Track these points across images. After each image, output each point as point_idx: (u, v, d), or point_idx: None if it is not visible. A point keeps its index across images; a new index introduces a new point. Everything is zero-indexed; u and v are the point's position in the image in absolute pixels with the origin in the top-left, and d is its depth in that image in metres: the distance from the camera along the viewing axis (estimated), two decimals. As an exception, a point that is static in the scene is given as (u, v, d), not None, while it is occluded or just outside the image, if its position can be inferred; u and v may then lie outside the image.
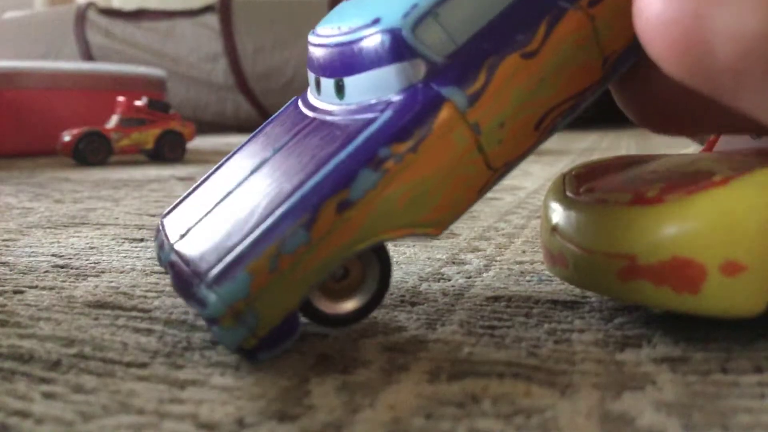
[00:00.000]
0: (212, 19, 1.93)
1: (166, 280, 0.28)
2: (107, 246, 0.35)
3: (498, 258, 0.32)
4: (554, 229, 0.22)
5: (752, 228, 0.18)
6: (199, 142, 1.41)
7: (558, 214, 0.23)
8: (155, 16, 2.00)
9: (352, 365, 0.19)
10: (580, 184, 0.24)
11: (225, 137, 1.68)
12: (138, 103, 0.92)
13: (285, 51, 1.88)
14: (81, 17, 1.97)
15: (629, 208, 0.20)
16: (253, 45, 1.89)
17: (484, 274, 0.29)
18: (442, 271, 0.29)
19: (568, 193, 0.24)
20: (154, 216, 0.45)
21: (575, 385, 0.17)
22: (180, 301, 0.25)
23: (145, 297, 0.26)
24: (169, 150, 0.92)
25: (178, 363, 0.19)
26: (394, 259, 0.31)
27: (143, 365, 0.19)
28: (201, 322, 0.22)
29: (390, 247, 0.32)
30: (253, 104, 1.95)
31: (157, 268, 0.30)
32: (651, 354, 0.19)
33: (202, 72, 1.93)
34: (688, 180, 0.20)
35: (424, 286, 0.27)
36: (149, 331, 0.22)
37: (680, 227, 0.18)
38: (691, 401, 0.16)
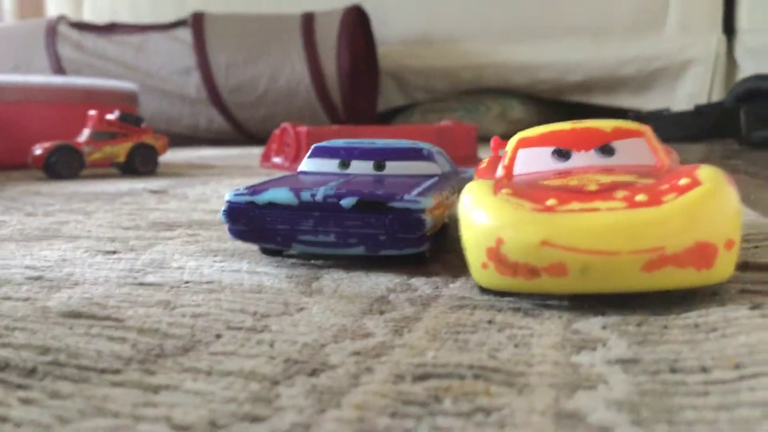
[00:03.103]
0: (185, 34, 1.93)
1: (140, 291, 0.28)
2: (80, 258, 0.35)
3: (465, 269, 0.32)
4: (545, 242, 0.23)
5: (734, 210, 0.24)
6: (172, 156, 1.41)
7: (544, 227, 0.24)
8: (127, 30, 2.00)
9: (320, 369, 0.20)
10: (537, 201, 0.25)
11: (198, 150, 1.68)
12: (110, 116, 0.91)
13: (258, 65, 1.89)
14: (52, 30, 1.96)
15: (640, 211, 0.23)
16: (225, 59, 1.90)
17: (451, 285, 0.29)
18: (410, 282, 0.30)
19: (531, 208, 0.25)
20: (126, 229, 0.45)
21: (532, 385, 0.18)
22: (153, 310, 0.25)
23: (119, 307, 0.26)
24: (141, 163, 0.92)
25: (152, 369, 0.20)
26: (365, 269, 0.32)
27: (117, 371, 0.20)
28: (174, 330, 0.23)
29: (361, 258, 0.33)
30: (226, 117, 1.95)
31: (131, 280, 0.31)
32: (605, 356, 0.20)
33: (175, 85, 1.93)
34: (643, 187, 0.25)
35: (393, 295, 0.28)
36: (123, 339, 0.22)
37: (700, 218, 0.23)
38: (640, 399, 0.17)
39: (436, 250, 0.35)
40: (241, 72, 1.89)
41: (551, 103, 2.04)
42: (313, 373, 0.19)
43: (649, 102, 1.90)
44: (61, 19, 2.01)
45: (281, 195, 0.32)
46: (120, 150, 0.90)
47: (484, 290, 0.27)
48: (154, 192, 0.69)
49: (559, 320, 0.24)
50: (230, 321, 0.24)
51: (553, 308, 0.25)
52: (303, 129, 0.95)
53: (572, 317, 0.24)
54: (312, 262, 0.34)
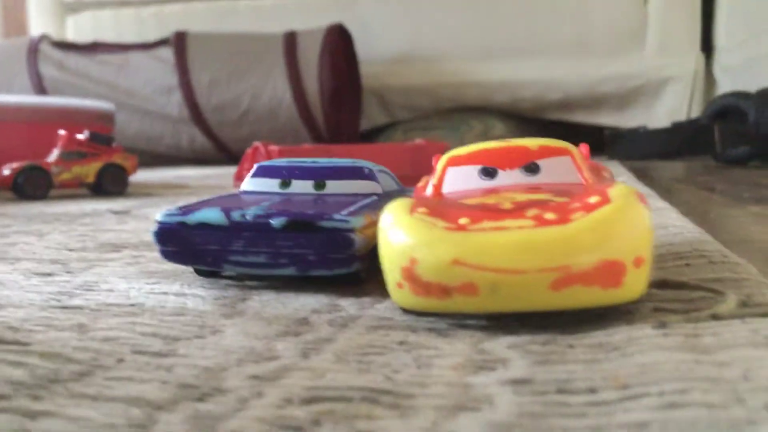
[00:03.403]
0: (167, 53, 1.93)
1: (59, 314, 0.28)
2: (14, 281, 0.35)
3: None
4: (456, 261, 0.23)
5: (644, 228, 0.24)
6: (151, 175, 1.41)
7: (456, 246, 0.24)
8: (109, 49, 2.00)
9: (210, 394, 0.19)
10: (451, 219, 0.25)
11: (179, 170, 1.67)
12: (79, 136, 0.91)
13: (240, 84, 1.89)
14: (34, 50, 1.96)
15: (547, 229, 0.23)
16: (208, 78, 1.90)
17: (378, 305, 0.29)
18: (338, 302, 0.30)
19: (443, 227, 0.25)
20: (72, 250, 0.45)
21: (417, 407, 0.18)
22: (64, 334, 0.25)
23: (32, 330, 0.26)
24: (110, 183, 0.91)
25: (40, 395, 0.19)
26: (297, 290, 0.32)
27: (5, 397, 0.19)
28: (77, 355, 0.23)
29: (297, 278, 0.33)
30: (209, 136, 1.95)
31: (55, 302, 0.30)
32: (501, 376, 0.20)
33: (157, 105, 1.93)
34: (555, 205, 0.25)
35: (315, 317, 0.28)
36: (22, 364, 0.22)
37: (607, 236, 0.23)
38: (517, 421, 0.17)
39: (374, 270, 0.35)
40: (223, 91, 1.90)
41: (533, 120, 2.06)
42: (202, 398, 0.19)
43: (630, 119, 1.92)
44: (44, 38, 2.01)
45: (211, 215, 0.32)
46: (89, 170, 0.90)
47: (406, 311, 0.27)
48: (116, 213, 0.69)
49: (469, 340, 0.24)
50: (138, 345, 0.24)
51: (469, 328, 0.25)
52: (275, 148, 0.95)
53: (483, 337, 0.24)
54: (246, 283, 0.34)
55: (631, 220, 0.24)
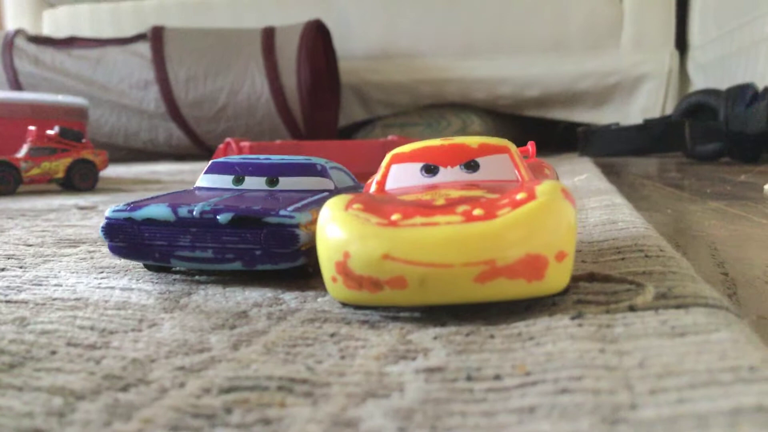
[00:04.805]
0: (144, 48, 1.92)
1: (2, 308, 0.29)
2: (-35, 276, 0.36)
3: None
4: (386, 255, 0.24)
5: (567, 224, 0.25)
6: (125, 170, 1.41)
7: (386, 241, 0.24)
8: (86, 43, 1.99)
9: (133, 384, 0.20)
10: (384, 215, 0.26)
11: (154, 165, 1.67)
12: (49, 132, 0.91)
13: (218, 79, 1.89)
14: (8, 45, 1.94)
15: (474, 224, 0.24)
16: (185, 73, 1.90)
17: (320, 299, 0.30)
18: (282, 296, 0.31)
19: (375, 223, 0.25)
20: (29, 246, 0.45)
21: (329, 395, 0.19)
22: (4, 327, 0.26)
23: (-28, 324, 0.26)
24: (80, 179, 0.91)
25: (-33, 386, 0.20)
26: (243, 284, 0.33)
27: (-66, 389, 0.20)
28: (11, 347, 0.23)
29: (247, 273, 0.34)
30: (186, 131, 1.94)
31: (1, 297, 0.31)
32: (418, 365, 0.21)
33: (134, 100, 1.92)
34: (485, 202, 0.26)
35: (254, 310, 0.28)
36: (-44, 357, 0.22)
37: (531, 231, 0.24)
38: (420, 406, 0.18)
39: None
40: (200, 86, 1.89)
41: (511, 117, 2.07)
42: (125, 388, 0.20)
43: (606, 116, 1.94)
44: (19, 32, 1.99)
45: (158, 211, 0.32)
46: (59, 166, 0.90)
47: (345, 304, 0.28)
48: (82, 208, 0.69)
49: (398, 331, 0.25)
50: (74, 338, 0.24)
51: (401, 320, 0.26)
52: (246, 144, 0.95)
53: (412, 328, 0.25)
54: (195, 277, 0.34)
55: (554, 217, 0.25)
